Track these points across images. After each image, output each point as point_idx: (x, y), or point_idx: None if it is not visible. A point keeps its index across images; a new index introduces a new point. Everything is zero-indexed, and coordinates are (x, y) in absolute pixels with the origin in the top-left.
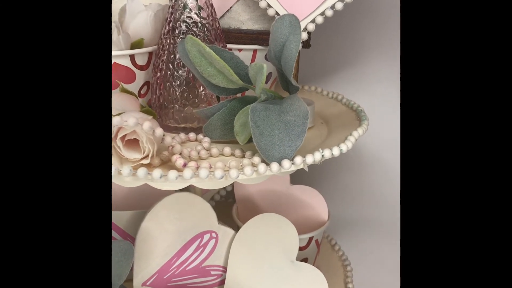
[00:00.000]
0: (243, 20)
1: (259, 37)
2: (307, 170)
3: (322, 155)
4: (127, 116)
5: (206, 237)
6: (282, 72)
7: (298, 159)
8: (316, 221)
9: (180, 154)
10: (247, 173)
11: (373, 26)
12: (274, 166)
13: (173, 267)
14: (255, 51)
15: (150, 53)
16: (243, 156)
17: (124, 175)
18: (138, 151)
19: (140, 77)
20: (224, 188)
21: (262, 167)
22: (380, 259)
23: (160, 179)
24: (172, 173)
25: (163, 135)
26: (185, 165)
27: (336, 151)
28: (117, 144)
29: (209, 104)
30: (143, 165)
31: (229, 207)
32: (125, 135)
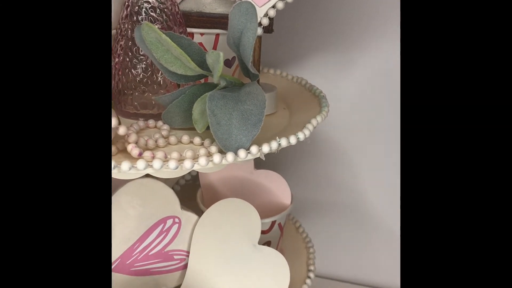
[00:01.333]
0: (205, 3)
1: (221, 21)
2: (263, 159)
3: (279, 144)
4: None
5: (169, 222)
6: (242, 59)
7: (254, 149)
8: (279, 205)
9: (136, 143)
10: (202, 164)
11: (342, 11)
12: (230, 156)
13: (135, 252)
14: (217, 35)
15: None
16: (202, 144)
17: None
18: None
19: None
20: (189, 172)
21: (217, 157)
22: (341, 240)
23: (114, 170)
24: (125, 164)
25: (118, 125)
26: (140, 154)
27: (293, 140)
28: None
29: (168, 90)
30: None
31: (196, 190)
32: None
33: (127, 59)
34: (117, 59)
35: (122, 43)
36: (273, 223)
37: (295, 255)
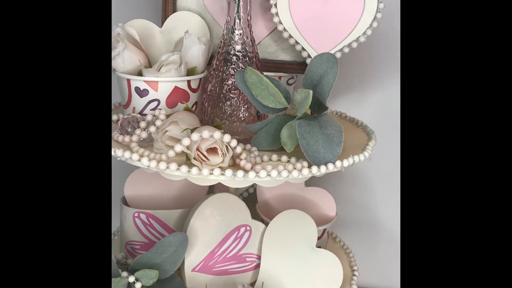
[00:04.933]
0: (270, 52)
1: (283, 66)
2: (343, 171)
3: (353, 160)
4: (211, 131)
5: (242, 230)
6: (314, 95)
7: (338, 163)
8: (325, 216)
9: (245, 159)
10: (304, 174)
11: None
12: (323, 168)
13: (216, 255)
14: (280, 77)
15: (200, 78)
16: (288, 161)
17: (228, 176)
18: (216, 157)
19: (193, 97)
20: (247, 190)
21: (314, 168)
22: (365, 250)
23: (255, 178)
24: (252, 173)
25: (237, 144)
26: (252, 167)
27: (362, 157)
28: (202, 152)
29: (254, 120)
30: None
31: (250, 206)
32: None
33: (221, 95)
34: (210, 96)
35: (217, 84)
36: (324, 230)
37: (339, 258)
